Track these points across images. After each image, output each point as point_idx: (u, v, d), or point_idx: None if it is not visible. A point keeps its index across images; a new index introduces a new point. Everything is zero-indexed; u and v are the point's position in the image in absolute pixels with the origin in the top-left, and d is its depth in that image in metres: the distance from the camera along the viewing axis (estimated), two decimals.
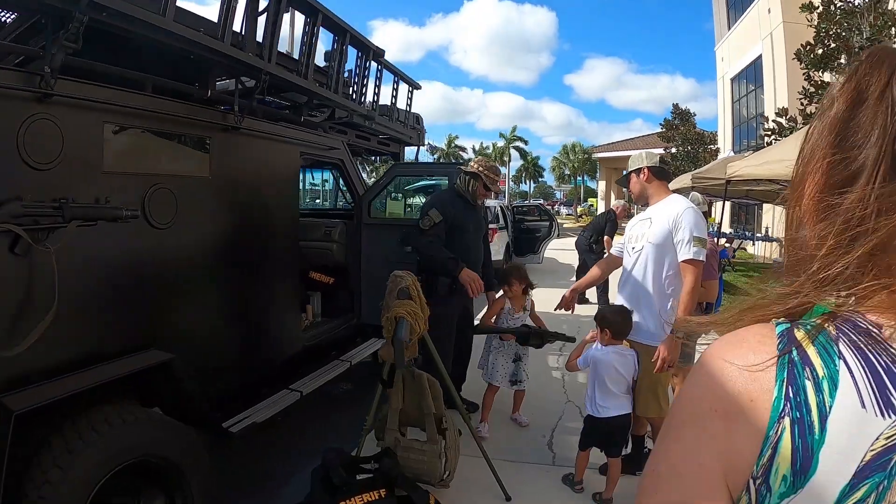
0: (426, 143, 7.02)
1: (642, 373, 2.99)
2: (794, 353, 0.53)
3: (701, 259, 2.86)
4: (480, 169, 3.88)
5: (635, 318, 3.03)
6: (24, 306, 2.07)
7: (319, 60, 3.95)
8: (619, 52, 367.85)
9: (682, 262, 2.88)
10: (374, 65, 4.47)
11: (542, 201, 60.17)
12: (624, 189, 3.54)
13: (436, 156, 60.46)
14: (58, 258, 2.10)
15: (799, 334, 0.54)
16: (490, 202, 12.24)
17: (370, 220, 4.88)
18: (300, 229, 5.09)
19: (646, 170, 3.09)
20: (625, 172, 3.26)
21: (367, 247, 4.82)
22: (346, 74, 4.37)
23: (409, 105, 5.61)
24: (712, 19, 22.53)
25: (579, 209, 45.21)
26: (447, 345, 3.95)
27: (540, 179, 72.67)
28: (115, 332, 2.47)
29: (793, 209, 0.62)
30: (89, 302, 2.37)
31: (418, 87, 5.54)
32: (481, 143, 65.72)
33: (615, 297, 3.24)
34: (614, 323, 3.04)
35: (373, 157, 8.58)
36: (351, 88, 4.34)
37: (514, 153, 61.63)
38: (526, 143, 62.59)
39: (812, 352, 0.52)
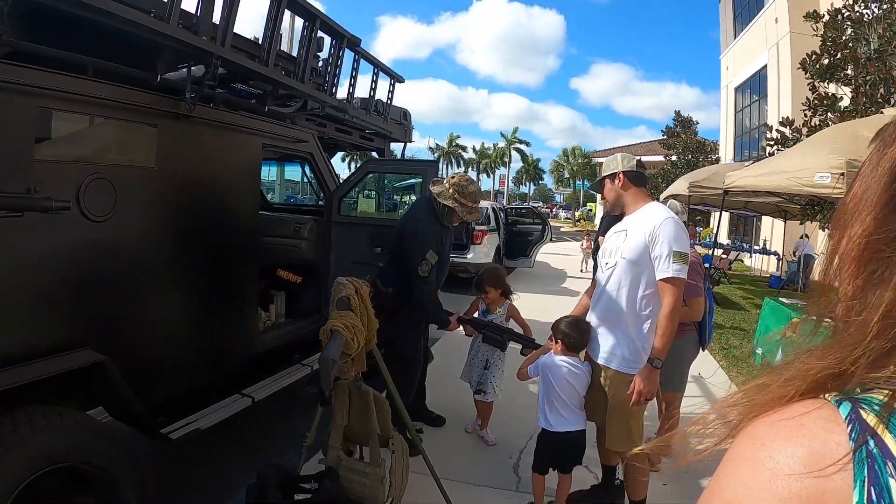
0: (413, 140, 6.88)
1: (616, 405, 2.81)
2: (871, 443, 0.43)
3: (681, 277, 2.65)
4: (456, 196, 3.59)
5: (608, 342, 2.85)
6: None
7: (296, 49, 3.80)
8: (626, 59, 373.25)
9: (661, 280, 2.64)
10: (351, 55, 4.30)
11: (540, 204, 60.34)
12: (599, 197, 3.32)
13: (437, 154, 61.14)
14: None
15: (869, 418, 0.44)
16: (482, 203, 12.07)
17: (340, 217, 4.74)
18: (268, 225, 4.97)
19: (621, 175, 2.87)
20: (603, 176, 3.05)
21: (337, 246, 4.69)
22: (320, 64, 4.24)
23: (391, 98, 5.44)
24: (719, 28, 22.44)
25: (577, 213, 45.16)
26: (418, 354, 3.91)
27: (540, 182, 73.02)
28: (41, 330, 2.37)
29: (835, 247, 0.54)
30: (11, 297, 2.27)
31: (401, 80, 5.39)
32: (482, 144, 66.30)
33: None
34: (567, 335, 2.95)
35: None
36: (325, 78, 4.17)
37: (515, 154, 61.87)
38: (528, 144, 63.17)
39: (890, 440, 0.43)
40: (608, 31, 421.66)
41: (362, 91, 4.91)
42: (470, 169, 65.93)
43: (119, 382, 2.55)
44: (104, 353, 2.48)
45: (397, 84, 5.42)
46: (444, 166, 63.06)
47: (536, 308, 8.98)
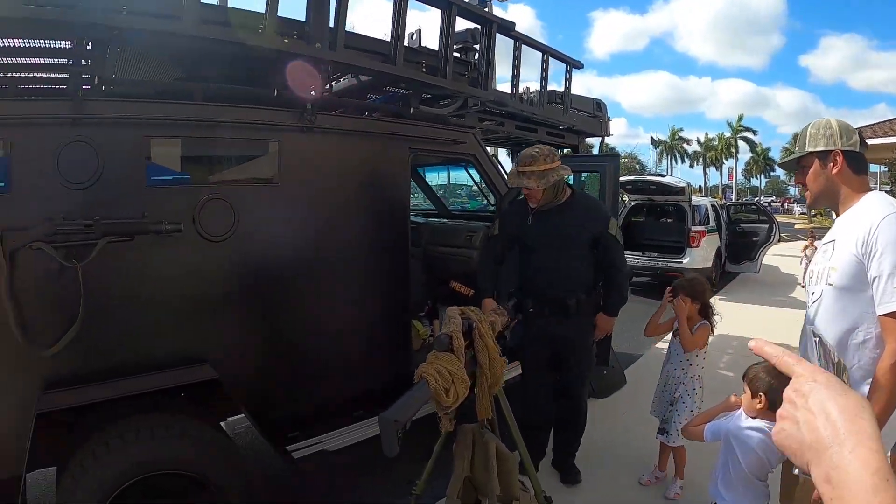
0: (612, 133, 6.16)
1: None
2: None
3: None
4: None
5: None
6: (60, 316, 2.21)
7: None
8: (858, 27, 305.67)
9: (883, 315, 1.66)
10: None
11: (773, 198, 52.74)
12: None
13: (658, 149, 57.83)
14: (96, 271, 2.21)
15: None
16: (699, 200, 10.60)
17: None
18: (440, 234, 4.68)
19: (839, 156, 1.85)
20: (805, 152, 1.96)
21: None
22: (476, 57, 3.80)
23: (568, 87, 4.78)
24: None
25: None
26: (524, 351, 3.33)
27: (772, 174, 63.61)
28: (159, 345, 2.47)
29: None
30: (131, 313, 2.39)
31: (578, 66, 4.73)
32: (706, 135, 59.99)
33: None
34: (774, 390, 2.00)
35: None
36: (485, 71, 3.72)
37: (743, 145, 55.35)
38: (755, 133, 56.45)
39: None
40: None
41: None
42: (695, 164, 60.40)
43: (236, 397, 2.58)
44: (224, 368, 2.52)
45: (576, 70, 4.78)
46: (668, 161, 58.84)
47: (756, 323, 7.46)
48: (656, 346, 6.28)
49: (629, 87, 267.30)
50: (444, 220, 5.80)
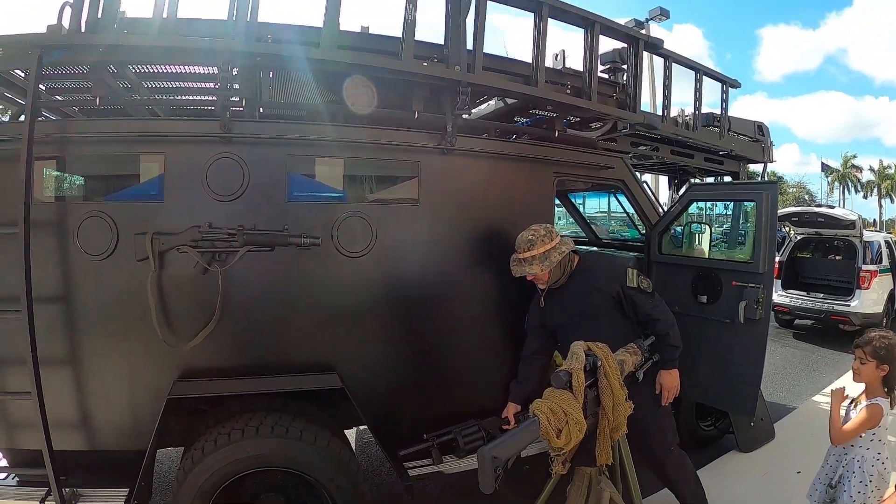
0: (775, 159, 5.45)
1: None
2: None
3: None
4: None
5: None
6: (199, 315, 2.35)
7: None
8: None
9: None
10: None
11: None
12: None
13: (829, 178, 51.36)
14: (237, 277, 2.34)
15: None
16: (872, 235, 9.06)
17: (661, 256, 3.76)
18: None
19: None
20: None
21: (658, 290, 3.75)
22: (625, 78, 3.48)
23: (725, 107, 4.23)
24: None
25: None
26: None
27: None
28: (288, 350, 2.53)
29: None
30: (266, 319, 2.47)
31: (735, 85, 4.19)
32: (880, 162, 51.62)
33: None
34: None
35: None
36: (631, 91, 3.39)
37: None
38: None
39: None
40: None
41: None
42: (869, 194, 52.43)
43: (361, 408, 2.53)
44: (352, 379, 2.51)
45: (731, 89, 4.20)
46: (840, 191, 51.81)
47: None
48: (813, 398, 5.39)
49: (801, 110, 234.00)
50: (594, 248, 5.43)
